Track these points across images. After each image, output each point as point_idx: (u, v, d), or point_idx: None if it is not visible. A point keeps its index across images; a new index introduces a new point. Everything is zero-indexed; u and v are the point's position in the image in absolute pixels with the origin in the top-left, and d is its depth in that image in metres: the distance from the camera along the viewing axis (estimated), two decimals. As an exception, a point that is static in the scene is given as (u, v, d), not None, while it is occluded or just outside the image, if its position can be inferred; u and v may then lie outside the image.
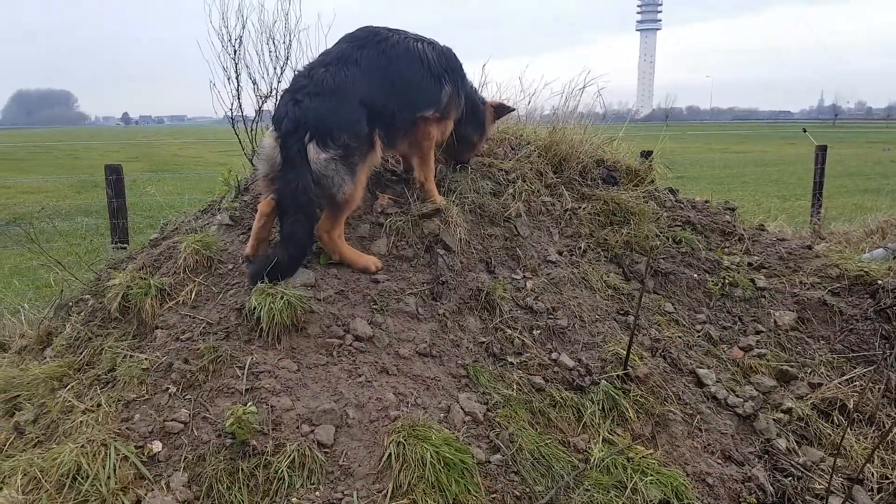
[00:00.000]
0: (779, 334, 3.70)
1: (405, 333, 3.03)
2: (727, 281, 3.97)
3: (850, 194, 13.87)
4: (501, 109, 4.06)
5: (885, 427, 3.16)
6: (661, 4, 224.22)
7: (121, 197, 6.16)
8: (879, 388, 3.40)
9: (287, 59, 4.29)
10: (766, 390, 3.33)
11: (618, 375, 3.07)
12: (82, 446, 2.32)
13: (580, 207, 4.13)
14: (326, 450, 2.46)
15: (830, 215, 10.06)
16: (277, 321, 2.80)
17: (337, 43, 3.29)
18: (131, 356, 2.85)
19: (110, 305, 3.14)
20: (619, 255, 3.94)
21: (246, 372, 2.67)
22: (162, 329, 2.95)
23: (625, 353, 3.11)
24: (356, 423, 2.58)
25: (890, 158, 23.49)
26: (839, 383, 3.38)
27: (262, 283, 2.91)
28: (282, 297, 2.84)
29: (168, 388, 2.64)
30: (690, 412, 3.08)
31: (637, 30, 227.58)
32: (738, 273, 4.04)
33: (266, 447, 2.41)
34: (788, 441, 3.07)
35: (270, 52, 4.28)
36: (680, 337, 3.54)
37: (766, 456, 3.00)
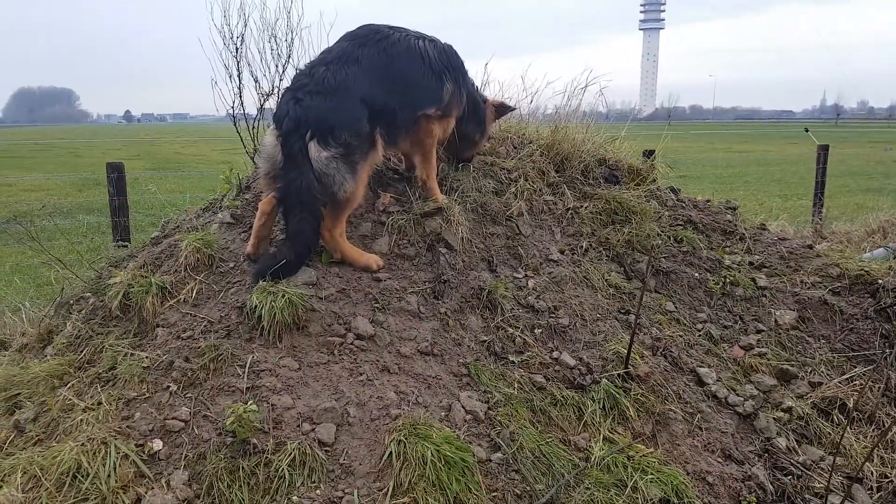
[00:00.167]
0: (779, 333, 3.69)
1: (407, 332, 3.03)
2: (728, 280, 3.96)
3: (851, 194, 13.85)
4: (502, 108, 4.06)
5: (884, 426, 3.16)
6: (664, 3, 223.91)
7: (122, 195, 6.16)
8: (879, 388, 3.40)
9: (289, 57, 4.30)
10: (766, 389, 3.33)
11: (619, 374, 3.07)
12: (82, 444, 2.32)
13: (582, 206, 4.13)
14: (327, 448, 2.46)
15: (832, 215, 10.05)
16: (279, 319, 2.80)
17: (338, 41, 3.29)
18: (132, 354, 2.85)
19: (111, 303, 3.14)
20: (620, 254, 3.94)
21: (247, 370, 2.67)
22: (163, 327, 2.95)
23: (626, 351, 3.11)
24: (357, 422, 2.58)
25: (892, 158, 23.44)
26: (839, 382, 3.38)
27: (263, 281, 2.92)
28: (283, 296, 2.84)
29: (169, 387, 2.64)
30: (691, 411, 3.08)
31: (640, 29, 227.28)
32: (739, 272, 4.04)
33: (267, 445, 2.41)
34: (788, 440, 3.07)
35: (272, 50, 4.30)
36: (681, 336, 3.54)
37: (766, 455, 3.00)
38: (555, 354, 3.17)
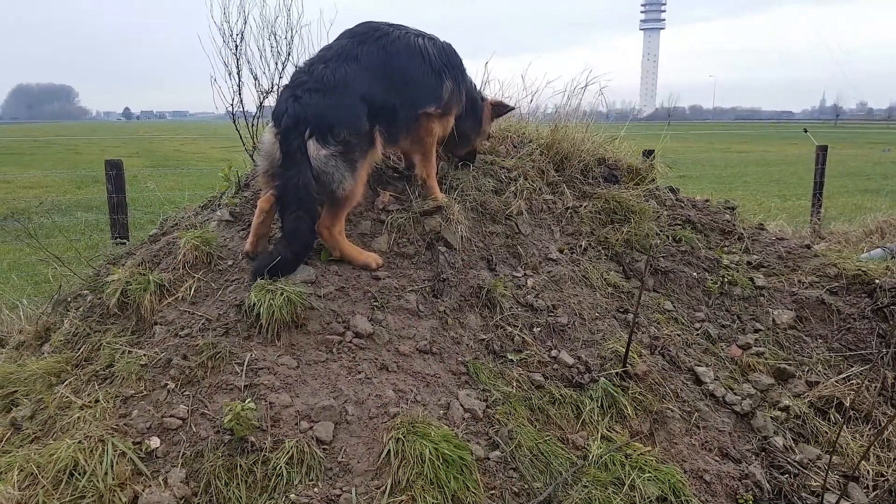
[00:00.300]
0: (777, 333, 3.70)
1: (405, 330, 3.03)
2: (726, 279, 3.97)
3: (850, 194, 13.88)
4: (500, 108, 4.05)
5: (880, 425, 3.16)
6: (664, 3, 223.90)
7: (121, 192, 6.16)
8: (876, 387, 3.41)
9: (288, 54, 4.29)
10: (763, 388, 3.34)
11: (617, 373, 3.08)
12: (79, 442, 2.32)
13: (581, 206, 4.13)
14: (325, 446, 2.46)
15: (830, 215, 10.07)
16: (277, 317, 2.80)
17: (337, 39, 3.28)
18: (130, 352, 2.85)
19: (109, 301, 3.14)
20: (619, 253, 3.95)
21: (245, 368, 2.67)
22: (161, 325, 2.95)
23: (624, 350, 3.12)
24: (355, 420, 2.58)
25: (890, 159, 23.48)
26: (836, 381, 3.39)
27: (262, 279, 2.91)
28: (281, 294, 2.84)
29: (166, 385, 2.64)
30: (688, 410, 3.09)
31: (640, 29, 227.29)
32: (738, 272, 4.04)
33: (265, 444, 2.41)
34: (785, 439, 3.08)
35: (272, 47, 4.28)
36: (679, 335, 3.54)
37: (764, 453, 3.01)
38: (553, 353, 3.17)
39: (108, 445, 2.31)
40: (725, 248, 4.31)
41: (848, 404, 3.22)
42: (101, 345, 2.99)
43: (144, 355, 2.79)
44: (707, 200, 4.83)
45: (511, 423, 2.72)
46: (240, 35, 4.23)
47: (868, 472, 2.97)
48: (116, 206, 6.09)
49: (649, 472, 2.63)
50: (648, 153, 5.06)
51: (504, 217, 3.78)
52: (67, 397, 2.69)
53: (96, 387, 2.75)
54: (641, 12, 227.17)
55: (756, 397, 3.27)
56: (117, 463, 2.28)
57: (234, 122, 4.36)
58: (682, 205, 4.61)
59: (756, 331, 3.72)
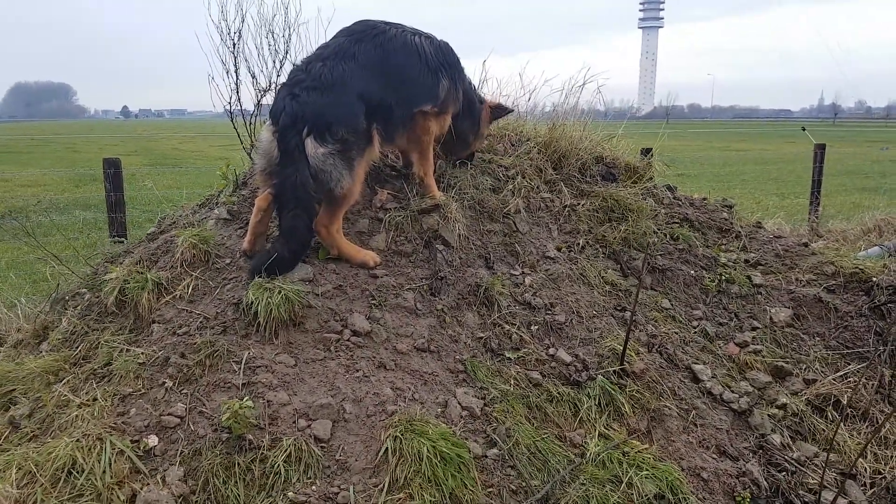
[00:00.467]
0: (774, 331, 3.71)
1: (403, 328, 3.03)
2: (724, 277, 3.98)
3: (848, 193, 13.89)
4: (499, 109, 4.05)
5: (878, 423, 3.17)
6: (663, 2, 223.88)
7: (119, 191, 6.16)
8: (873, 385, 3.42)
9: (286, 53, 4.28)
10: (761, 386, 3.35)
11: (614, 371, 3.08)
12: (78, 440, 2.32)
13: (579, 204, 4.14)
14: (323, 444, 2.47)
15: (828, 213, 10.09)
16: (275, 316, 2.80)
17: (334, 37, 3.28)
18: (128, 350, 2.85)
19: (107, 299, 3.14)
20: (616, 251, 3.95)
21: (243, 366, 2.67)
22: (159, 323, 2.95)
23: (621, 348, 3.12)
24: (353, 418, 2.58)
25: (888, 157, 23.51)
26: (833, 379, 3.40)
27: (259, 277, 2.92)
28: (279, 292, 2.84)
29: (164, 383, 2.64)
30: (686, 407, 3.09)
31: (639, 27, 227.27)
32: (735, 270, 4.05)
33: (262, 442, 2.41)
34: (783, 436, 3.09)
35: (270, 45, 4.28)
36: (676, 333, 3.55)
37: (761, 451, 3.02)
38: (551, 351, 3.18)
39: (106, 444, 2.32)
40: (723, 247, 4.31)
41: (845, 402, 3.23)
42: (99, 343, 2.99)
43: (142, 353, 2.79)
44: (705, 199, 4.84)
45: (509, 421, 2.72)
46: (237, 33, 4.23)
47: (865, 469, 2.98)
48: (114, 205, 6.09)
49: (647, 469, 2.64)
50: (646, 151, 5.07)
51: (502, 215, 3.79)
52: (65, 396, 2.69)
53: (94, 385, 2.75)
54: (640, 11, 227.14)
55: (753, 395, 3.28)
56: (115, 461, 2.29)
57: (232, 121, 4.36)
58: (680, 203, 4.61)
59: (753, 329, 3.72)
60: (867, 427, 3.20)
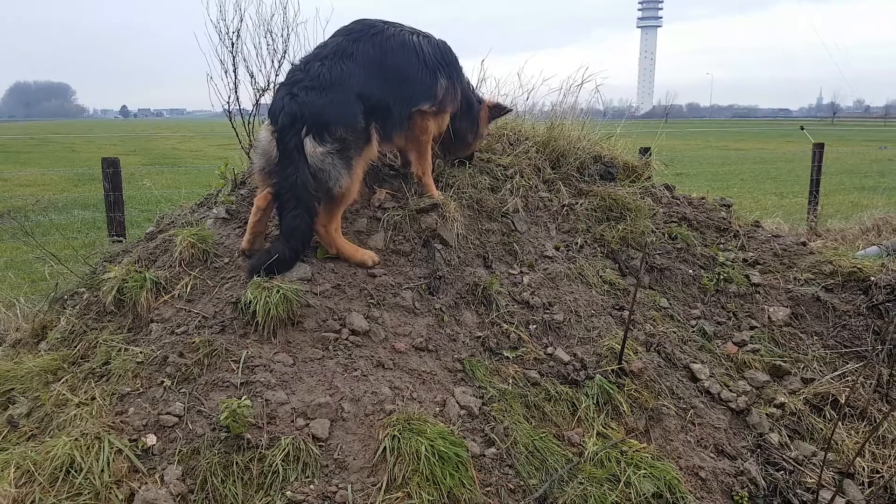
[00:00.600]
0: (772, 330, 3.71)
1: (401, 328, 3.04)
2: (722, 277, 3.98)
3: (846, 192, 13.91)
4: (498, 109, 4.04)
5: (876, 422, 3.18)
6: (661, 1, 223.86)
7: (118, 190, 6.15)
8: (871, 384, 3.42)
9: (285, 52, 4.28)
10: (759, 385, 3.35)
11: (612, 370, 3.08)
12: (76, 439, 2.32)
13: (577, 203, 4.14)
14: (321, 443, 2.47)
15: (827, 212, 10.10)
16: (273, 315, 2.80)
17: (332, 36, 3.28)
18: (126, 349, 2.85)
19: (105, 299, 3.14)
20: (615, 250, 3.95)
21: (241, 366, 2.67)
22: (157, 322, 2.95)
23: (619, 347, 3.13)
24: (351, 417, 2.58)
25: (887, 157, 23.53)
26: (831, 378, 3.41)
27: (258, 276, 2.92)
28: (278, 291, 2.84)
29: (163, 382, 2.64)
30: (684, 406, 3.10)
31: (638, 27, 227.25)
32: (733, 269, 4.05)
33: (261, 441, 2.41)
34: (781, 435, 3.09)
35: (268, 45, 4.27)
36: (674, 332, 3.55)
37: (759, 450, 3.02)
38: (549, 350, 3.18)
39: (104, 443, 2.31)
40: (721, 246, 4.32)
41: (843, 401, 3.23)
42: (97, 342, 2.99)
43: (141, 353, 2.79)
44: (703, 198, 4.84)
45: (507, 420, 2.73)
46: (236, 33, 4.23)
47: (863, 468, 2.98)
48: (113, 204, 6.09)
49: (645, 468, 2.64)
50: (645, 151, 5.07)
51: (500, 214, 3.79)
52: (64, 395, 2.69)
53: (93, 384, 2.75)
54: (639, 10, 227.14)
55: (751, 394, 3.29)
56: (114, 460, 2.29)
57: (231, 120, 4.35)
58: (678, 202, 4.62)
59: (751, 328, 3.73)
60: (865, 426, 3.21)
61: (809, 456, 3.01)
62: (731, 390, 3.27)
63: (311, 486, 2.33)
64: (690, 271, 4.00)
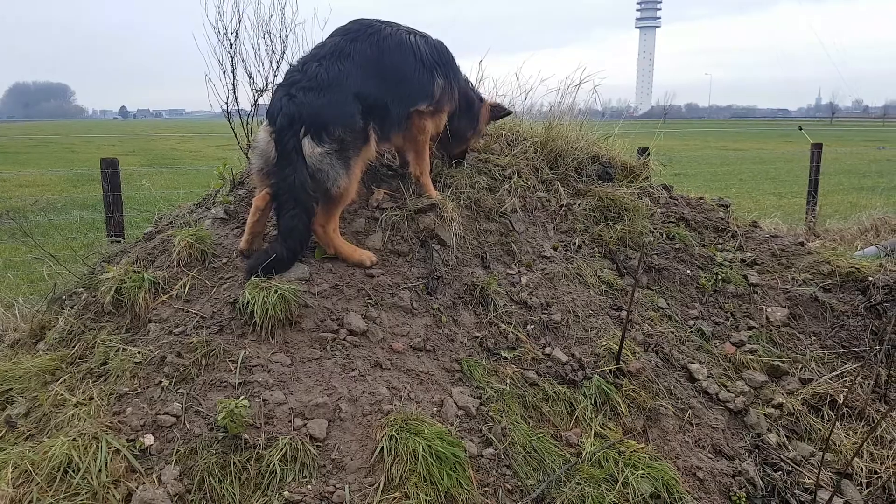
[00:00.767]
0: (770, 330, 3.72)
1: (399, 328, 3.04)
2: (720, 277, 3.98)
3: (845, 192, 13.92)
4: (498, 110, 4.05)
5: (874, 422, 3.18)
6: (660, 2, 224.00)
7: (116, 190, 6.15)
8: (869, 384, 3.43)
9: (283, 53, 4.28)
10: (757, 385, 3.35)
11: (610, 370, 3.09)
12: (74, 439, 2.31)
13: (575, 203, 4.14)
14: (319, 443, 2.47)
15: (826, 213, 10.10)
16: (271, 315, 2.80)
17: (329, 36, 3.28)
18: (124, 350, 2.85)
19: (104, 299, 3.14)
20: (613, 250, 3.96)
21: (239, 366, 2.67)
22: (155, 323, 2.95)
23: (617, 347, 3.13)
24: (349, 417, 2.58)
25: (885, 157, 23.55)
26: (829, 379, 3.41)
27: (256, 277, 2.92)
28: (276, 291, 2.84)
29: (160, 382, 2.64)
30: (682, 407, 3.10)
31: (636, 27, 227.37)
32: (731, 269, 4.06)
33: (258, 441, 2.41)
34: (779, 436, 3.09)
35: (266, 45, 4.27)
36: (672, 332, 3.55)
37: (757, 450, 3.02)
38: (547, 350, 3.18)
39: (102, 443, 2.31)
40: (719, 246, 4.32)
41: (841, 401, 3.24)
42: (95, 342, 2.99)
43: (139, 353, 2.79)
44: (701, 198, 4.85)
45: (504, 420, 2.73)
46: (234, 34, 4.23)
47: (861, 469, 2.98)
48: (112, 205, 6.09)
49: (642, 469, 2.64)
50: (643, 151, 5.08)
51: (498, 215, 3.79)
52: (62, 395, 2.69)
53: (91, 384, 2.75)
54: (637, 10, 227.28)
55: (749, 394, 3.29)
56: (111, 460, 2.28)
57: (229, 121, 4.36)
58: (676, 202, 4.62)
59: (749, 328, 3.73)
60: (863, 426, 3.21)
61: (807, 456, 3.01)
62: (728, 390, 3.27)
63: (309, 487, 2.33)
64: (688, 271, 4.00)
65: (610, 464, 2.65)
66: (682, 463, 2.84)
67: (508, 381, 2.95)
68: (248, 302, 2.82)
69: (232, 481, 2.31)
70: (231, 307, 2.92)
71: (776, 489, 2.86)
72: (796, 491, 2.85)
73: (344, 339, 2.88)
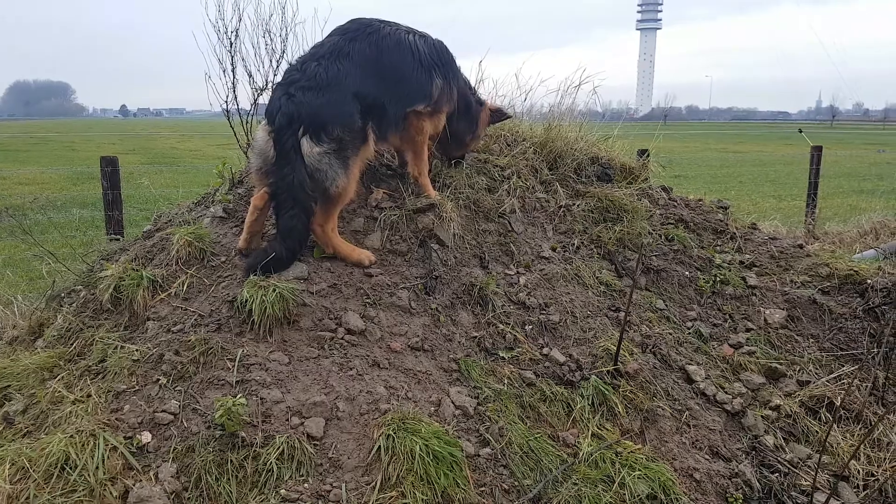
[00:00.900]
0: (768, 332, 3.72)
1: (397, 327, 3.04)
2: (718, 279, 3.99)
3: (845, 195, 13.92)
4: (499, 114, 4.05)
5: (871, 424, 3.18)
6: (661, 3, 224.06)
7: (116, 189, 6.16)
8: (867, 386, 3.43)
9: (283, 52, 4.29)
10: (754, 387, 3.36)
11: (608, 371, 3.09)
12: (71, 436, 2.32)
13: (574, 204, 4.14)
14: (316, 442, 2.47)
15: (825, 215, 10.11)
16: (269, 314, 2.80)
17: (328, 36, 3.28)
18: (122, 347, 2.85)
19: (102, 297, 3.14)
20: (611, 251, 3.96)
21: (237, 364, 2.67)
22: (153, 321, 2.95)
23: (615, 348, 3.13)
24: (346, 416, 2.58)
25: (885, 160, 23.56)
26: (827, 381, 3.41)
27: (254, 275, 2.92)
28: (274, 290, 2.84)
29: (158, 380, 2.64)
30: (679, 408, 3.10)
31: (637, 29, 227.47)
32: (730, 271, 4.06)
33: (255, 439, 2.41)
34: (776, 438, 3.10)
35: (266, 45, 4.28)
36: (670, 334, 3.55)
37: (754, 452, 3.02)
38: (545, 351, 3.18)
39: (99, 440, 2.32)
40: (718, 248, 4.32)
41: (839, 404, 3.24)
42: (93, 340, 2.99)
43: (137, 350, 2.79)
44: (700, 200, 4.85)
45: (502, 420, 2.73)
46: (234, 33, 4.24)
47: (858, 471, 2.98)
48: (111, 203, 6.09)
49: (639, 470, 2.64)
50: (643, 152, 5.08)
51: (497, 215, 3.79)
52: (60, 392, 2.69)
53: (88, 382, 2.75)
54: (638, 12, 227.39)
55: (747, 396, 3.29)
56: (109, 457, 2.29)
57: (229, 120, 4.36)
58: (675, 204, 4.62)
59: (748, 330, 3.73)
60: (860, 429, 3.21)
61: (804, 458, 3.01)
62: (726, 392, 3.27)
63: (306, 485, 2.33)
64: (687, 273, 4.00)
65: (607, 464, 2.65)
66: (678, 464, 2.84)
67: (506, 381, 2.95)
68: (246, 300, 2.83)
69: (229, 479, 2.31)
70: (229, 306, 2.92)
71: (773, 491, 2.86)
72: (793, 493, 2.85)
73: (342, 339, 2.89)
